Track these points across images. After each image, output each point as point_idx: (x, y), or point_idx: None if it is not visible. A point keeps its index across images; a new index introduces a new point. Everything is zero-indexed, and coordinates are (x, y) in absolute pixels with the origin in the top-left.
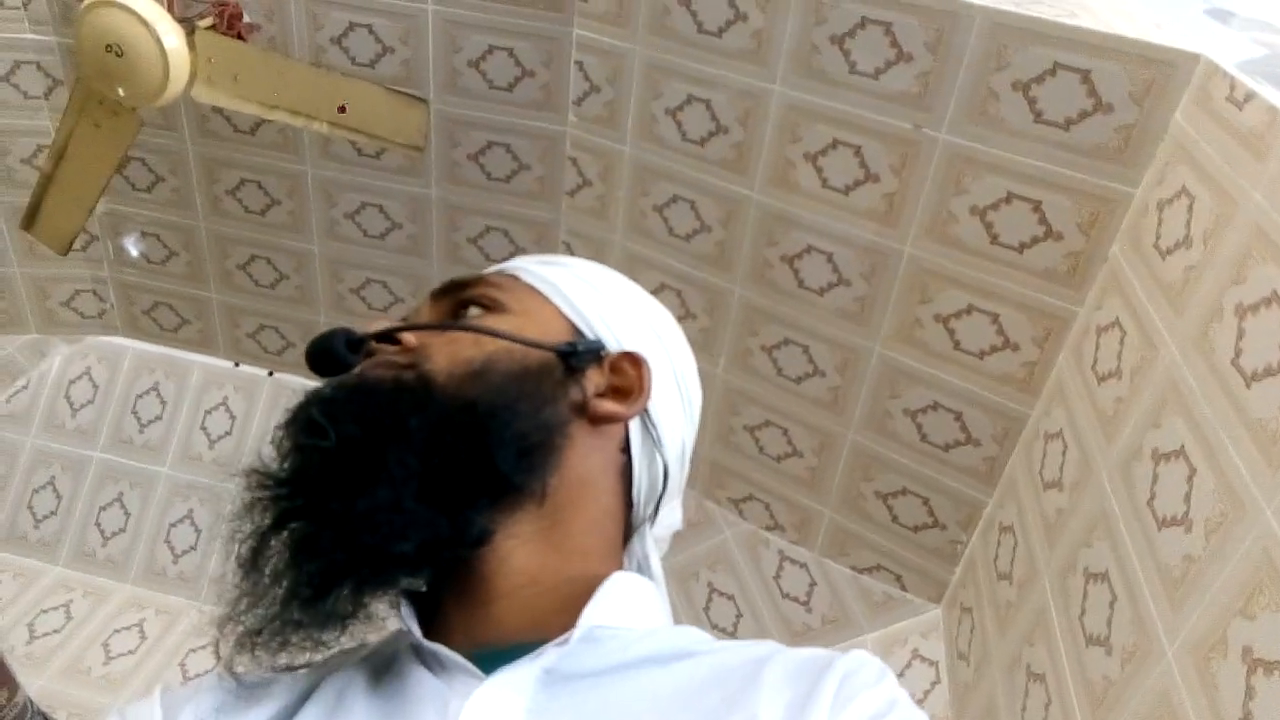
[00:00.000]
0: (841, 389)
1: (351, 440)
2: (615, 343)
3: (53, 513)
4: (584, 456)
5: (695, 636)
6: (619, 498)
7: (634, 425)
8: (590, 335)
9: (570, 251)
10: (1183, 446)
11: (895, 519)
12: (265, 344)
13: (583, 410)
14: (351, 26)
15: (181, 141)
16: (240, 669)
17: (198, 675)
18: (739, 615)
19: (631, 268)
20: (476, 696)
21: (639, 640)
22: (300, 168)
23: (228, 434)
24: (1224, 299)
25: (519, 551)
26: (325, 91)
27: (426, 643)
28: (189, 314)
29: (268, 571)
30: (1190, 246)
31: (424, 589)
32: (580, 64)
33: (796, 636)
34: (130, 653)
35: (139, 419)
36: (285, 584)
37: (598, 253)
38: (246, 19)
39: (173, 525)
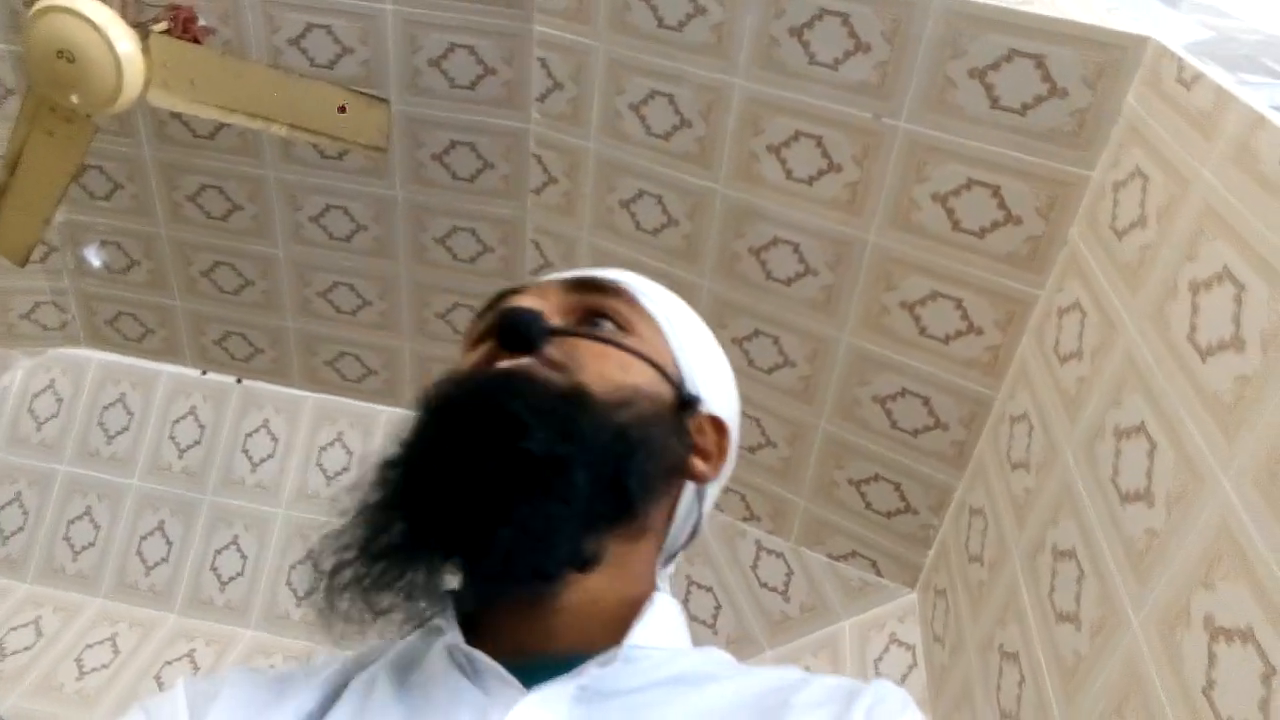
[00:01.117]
0: (812, 378)
1: (543, 444)
2: (706, 401)
3: (20, 528)
4: (662, 500)
5: (721, 658)
6: (660, 543)
7: (689, 485)
8: (691, 387)
9: (538, 249)
10: (1143, 422)
11: (868, 505)
12: (232, 351)
13: (680, 460)
14: (309, 28)
15: (139, 148)
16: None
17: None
18: (718, 607)
19: (600, 263)
20: (518, 711)
21: (670, 660)
22: (262, 171)
23: (197, 443)
24: (1178, 276)
25: (597, 579)
26: (284, 93)
27: (467, 648)
28: (153, 323)
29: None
30: (1145, 226)
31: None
32: (542, 61)
33: (775, 626)
34: (104, 667)
35: (105, 431)
36: (417, 541)
37: (566, 250)
38: (201, 22)
39: (143, 537)
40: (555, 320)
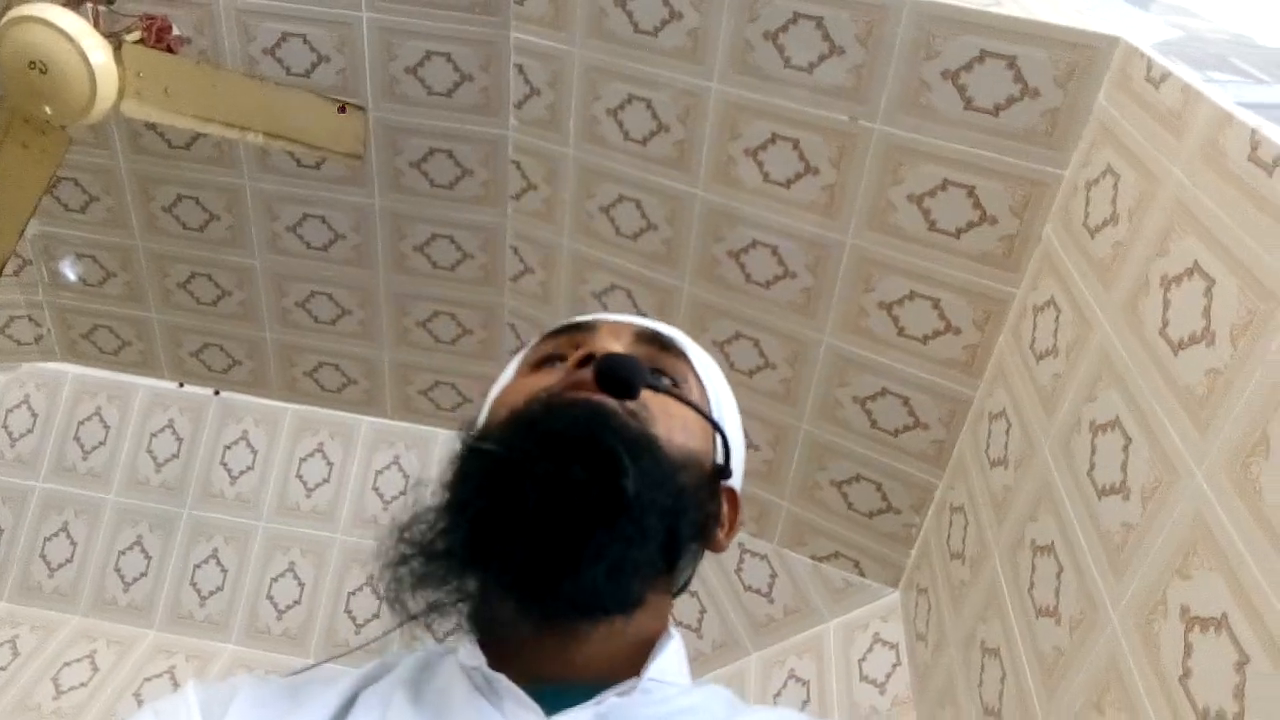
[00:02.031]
0: (792, 380)
1: (639, 492)
2: (732, 474)
3: None
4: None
5: (725, 696)
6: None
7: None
8: (720, 455)
9: (518, 256)
10: (1118, 417)
11: (850, 506)
12: (210, 363)
13: (713, 525)
14: (285, 37)
15: (114, 159)
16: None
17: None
18: (703, 611)
19: (580, 269)
20: None
21: (679, 695)
22: (238, 181)
23: (175, 456)
24: (1150, 272)
25: (628, 619)
26: (260, 102)
27: (489, 671)
28: (129, 336)
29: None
30: (1117, 223)
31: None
32: (520, 67)
33: (760, 629)
34: (82, 685)
35: (82, 446)
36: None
37: (546, 256)
38: (176, 32)
39: (122, 553)
40: None
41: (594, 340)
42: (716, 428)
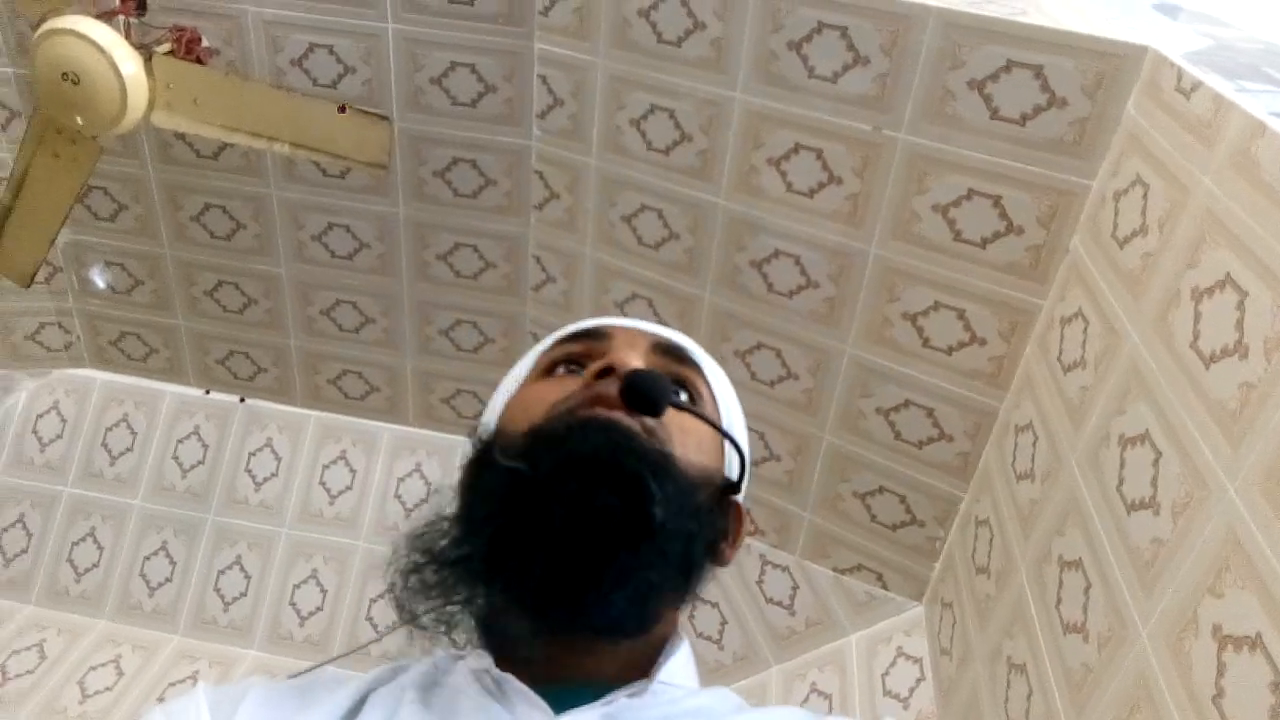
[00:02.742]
0: (815, 391)
1: (665, 520)
2: (741, 489)
3: (23, 550)
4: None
5: (732, 699)
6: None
7: None
8: (730, 470)
9: (540, 265)
10: (1147, 431)
11: (874, 518)
12: (235, 370)
13: (723, 541)
14: (312, 48)
15: (143, 168)
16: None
17: None
18: (724, 623)
19: (602, 278)
20: None
21: (685, 698)
22: (265, 190)
23: (200, 463)
24: (1180, 284)
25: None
26: (287, 112)
27: (498, 672)
28: (157, 343)
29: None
30: (1146, 234)
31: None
32: (543, 78)
33: (781, 641)
34: (107, 689)
35: (109, 451)
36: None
37: (569, 265)
38: (205, 43)
39: (147, 558)
40: None
41: (612, 351)
42: (733, 444)
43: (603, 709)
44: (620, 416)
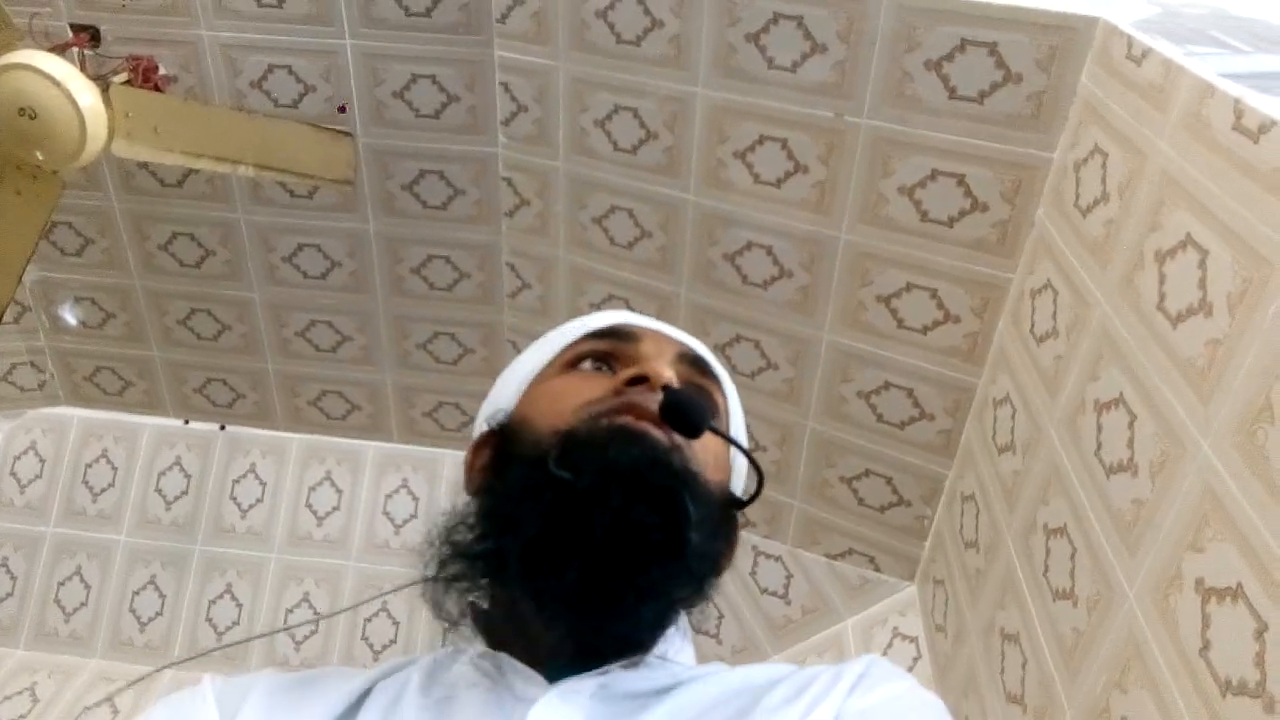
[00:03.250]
0: (795, 379)
1: (700, 547)
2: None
3: (9, 594)
4: None
5: (722, 665)
6: None
7: None
8: (735, 482)
9: (515, 272)
10: (1121, 394)
11: (861, 501)
12: (214, 398)
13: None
14: (270, 69)
15: (107, 200)
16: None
17: None
18: (720, 616)
19: (578, 281)
20: (542, 704)
21: (679, 670)
22: (232, 215)
23: (184, 493)
24: (1143, 247)
25: None
26: (249, 135)
27: (493, 652)
28: (132, 376)
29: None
30: (1108, 201)
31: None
32: (505, 85)
33: (778, 630)
34: None
35: (90, 488)
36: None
37: (543, 270)
38: (162, 71)
39: (136, 593)
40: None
41: (642, 357)
42: (756, 467)
43: (598, 678)
44: (651, 429)
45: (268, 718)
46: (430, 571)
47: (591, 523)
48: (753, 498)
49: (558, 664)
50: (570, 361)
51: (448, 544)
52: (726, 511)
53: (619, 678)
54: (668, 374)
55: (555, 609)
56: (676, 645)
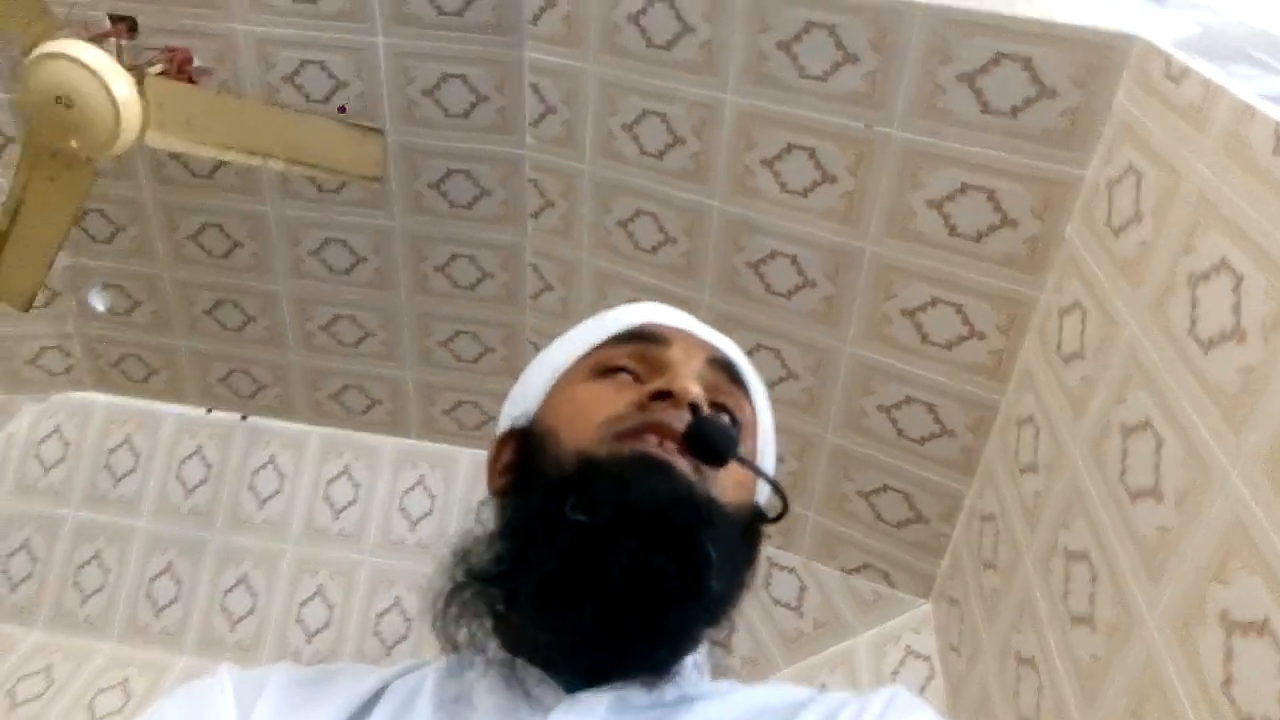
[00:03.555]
0: (816, 390)
1: (720, 590)
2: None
3: (28, 575)
4: None
5: (735, 684)
6: None
7: None
8: (759, 496)
9: (538, 273)
10: (1149, 418)
11: (879, 516)
12: (237, 388)
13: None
14: (303, 64)
15: (139, 190)
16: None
17: None
18: (731, 626)
19: (600, 284)
20: (558, 714)
21: (694, 684)
22: (261, 208)
23: (204, 482)
24: (1176, 270)
25: None
26: (280, 129)
27: (511, 657)
28: (157, 363)
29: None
30: (1141, 222)
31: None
32: (535, 86)
33: (790, 643)
34: (116, 713)
35: (112, 473)
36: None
37: (566, 272)
38: (197, 63)
39: (153, 579)
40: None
41: (671, 366)
42: (780, 494)
43: (614, 692)
44: (676, 459)
45: (282, 712)
46: (443, 595)
47: (607, 565)
48: (778, 517)
49: (573, 674)
50: (596, 366)
51: (463, 565)
52: (748, 532)
53: (635, 691)
54: (694, 390)
55: (566, 644)
56: (692, 660)
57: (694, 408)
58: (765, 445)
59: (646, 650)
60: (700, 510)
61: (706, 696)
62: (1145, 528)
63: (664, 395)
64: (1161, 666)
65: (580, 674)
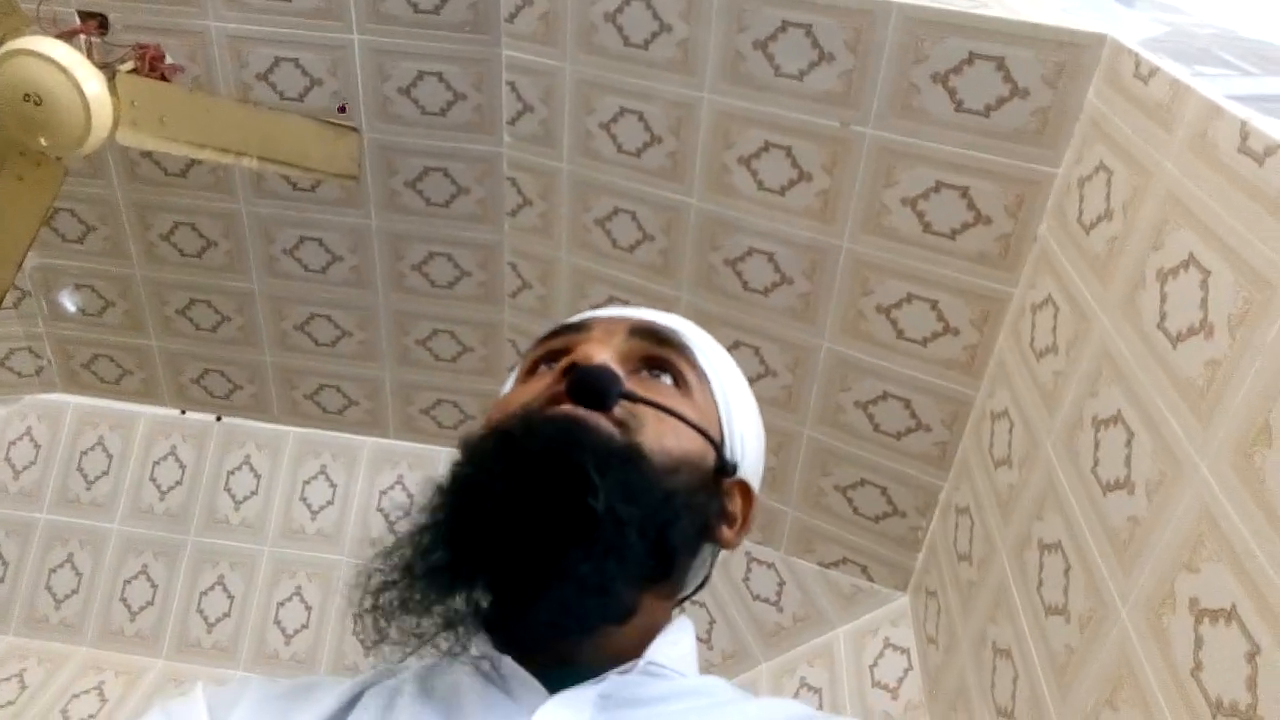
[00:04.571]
0: (793, 387)
1: (609, 509)
2: (740, 468)
3: (0, 580)
4: (695, 558)
5: (727, 687)
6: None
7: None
8: (728, 453)
9: (516, 272)
10: (1120, 412)
11: (856, 511)
12: (211, 389)
13: (715, 524)
14: (277, 61)
15: (110, 188)
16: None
17: None
18: (712, 622)
19: (579, 283)
20: (541, 713)
21: (684, 681)
22: (234, 206)
23: (179, 484)
24: (1146, 266)
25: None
26: (254, 127)
27: (495, 654)
28: (130, 364)
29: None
30: (1111, 219)
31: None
32: (512, 84)
33: (770, 638)
34: (91, 717)
35: (85, 476)
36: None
37: (544, 271)
38: (169, 60)
39: (127, 582)
40: (617, 365)
41: (583, 345)
42: (705, 433)
43: (596, 687)
44: (577, 411)
45: None
46: (372, 598)
47: (489, 513)
48: (724, 468)
49: (559, 672)
50: (528, 369)
51: (398, 569)
52: (703, 478)
53: (620, 685)
54: (599, 354)
55: (497, 609)
56: (675, 650)
57: (571, 367)
58: (731, 408)
59: (556, 598)
60: (594, 448)
61: (693, 694)
62: (1117, 519)
63: (571, 370)
64: (1134, 654)
65: (538, 650)
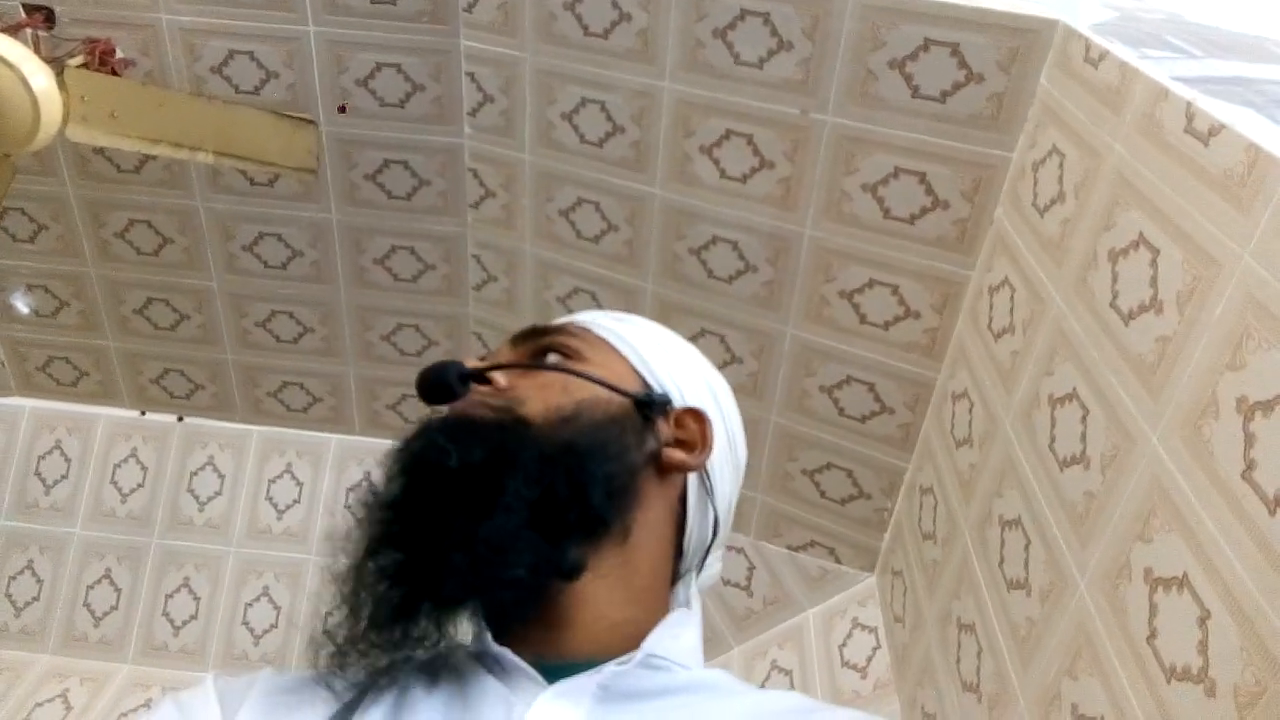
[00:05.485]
0: (759, 373)
1: (473, 465)
2: (680, 398)
3: None
4: (654, 502)
5: (730, 678)
6: (674, 545)
7: (691, 478)
8: (658, 389)
9: (480, 264)
10: (1074, 389)
11: (823, 494)
12: (171, 389)
13: (655, 458)
14: (231, 54)
15: (62, 186)
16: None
17: None
18: None
19: (543, 274)
20: (540, 703)
21: (685, 672)
22: (191, 203)
23: (140, 486)
24: (1098, 246)
25: (597, 587)
26: (208, 121)
27: (496, 648)
28: (87, 366)
29: (368, 587)
30: (1064, 201)
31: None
32: (471, 75)
33: (740, 622)
34: None
35: (43, 480)
36: (393, 601)
37: (509, 263)
38: (119, 54)
39: (90, 587)
40: (481, 363)
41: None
42: (601, 380)
43: (594, 678)
44: (438, 411)
45: (265, 717)
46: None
47: (383, 519)
48: (648, 402)
49: (559, 664)
50: None
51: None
52: (616, 418)
53: (619, 677)
54: (468, 365)
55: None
56: (676, 641)
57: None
58: (644, 354)
59: (481, 558)
60: (443, 428)
61: (694, 688)
62: (1073, 493)
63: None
64: (1091, 624)
65: (553, 642)
